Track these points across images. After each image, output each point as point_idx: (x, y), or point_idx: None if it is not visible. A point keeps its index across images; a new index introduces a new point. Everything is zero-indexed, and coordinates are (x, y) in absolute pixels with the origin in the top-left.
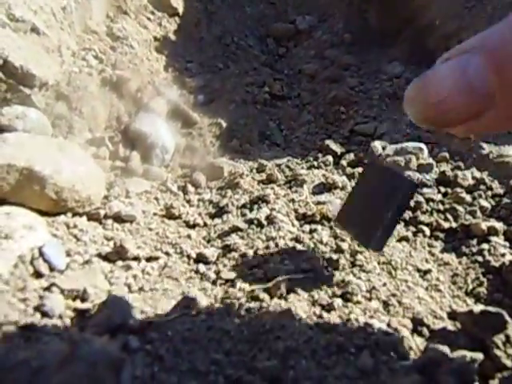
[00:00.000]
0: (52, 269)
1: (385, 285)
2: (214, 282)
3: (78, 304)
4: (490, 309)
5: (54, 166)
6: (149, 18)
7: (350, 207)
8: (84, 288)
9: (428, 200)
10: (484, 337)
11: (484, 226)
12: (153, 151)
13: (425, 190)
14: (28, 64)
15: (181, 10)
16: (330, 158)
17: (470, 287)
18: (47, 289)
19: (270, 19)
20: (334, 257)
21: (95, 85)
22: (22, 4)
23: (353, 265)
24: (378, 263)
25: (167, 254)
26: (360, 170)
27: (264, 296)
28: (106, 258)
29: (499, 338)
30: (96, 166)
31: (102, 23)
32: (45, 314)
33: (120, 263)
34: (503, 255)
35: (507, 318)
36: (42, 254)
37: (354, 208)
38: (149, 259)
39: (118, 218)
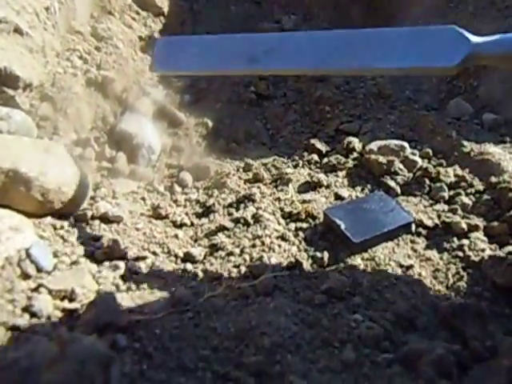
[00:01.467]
0: (39, 270)
1: (368, 280)
2: (201, 281)
3: (66, 304)
4: (470, 302)
5: (39, 168)
6: (134, 18)
7: (349, 206)
8: (72, 288)
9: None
10: (463, 329)
11: (464, 223)
12: (139, 151)
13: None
14: (12, 65)
15: (166, 10)
16: (316, 157)
17: (451, 281)
18: (35, 290)
19: (256, 19)
20: (319, 254)
21: (80, 85)
22: (5, 4)
23: (337, 261)
24: (362, 259)
25: (154, 253)
26: (345, 166)
27: (250, 293)
28: (93, 258)
29: (477, 330)
30: (82, 166)
31: (87, 23)
32: (33, 315)
33: (107, 263)
34: (483, 250)
35: (486, 310)
36: (28, 255)
37: (354, 209)
38: (136, 259)
39: (105, 219)
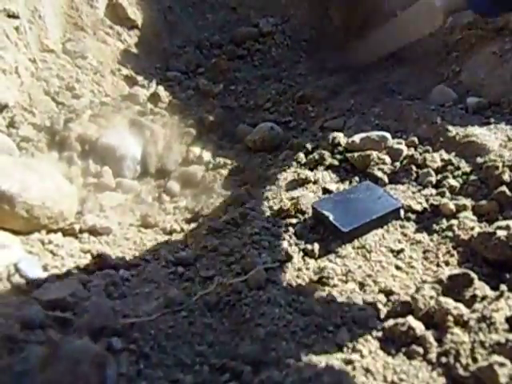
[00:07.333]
0: (30, 283)
1: (360, 267)
2: (193, 281)
3: (58, 313)
4: (456, 271)
5: (21, 184)
6: (107, 33)
7: (336, 198)
8: (63, 297)
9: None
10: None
11: (452, 204)
12: (124, 163)
13: None
14: None
15: (140, 22)
16: (302, 155)
17: (442, 260)
18: (26, 302)
19: (233, 24)
20: (310, 247)
21: (56, 104)
22: None
23: (328, 252)
24: (353, 248)
25: (146, 260)
26: (331, 161)
27: (242, 288)
28: (84, 269)
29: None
30: (66, 181)
31: (59, 41)
32: (25, 326)
33: (99, 273)
34: (472, 228)
35: (473, 275)
36: (18, 269)
37: (342, 200)
38: (128, 267)
39: (94, 231)
